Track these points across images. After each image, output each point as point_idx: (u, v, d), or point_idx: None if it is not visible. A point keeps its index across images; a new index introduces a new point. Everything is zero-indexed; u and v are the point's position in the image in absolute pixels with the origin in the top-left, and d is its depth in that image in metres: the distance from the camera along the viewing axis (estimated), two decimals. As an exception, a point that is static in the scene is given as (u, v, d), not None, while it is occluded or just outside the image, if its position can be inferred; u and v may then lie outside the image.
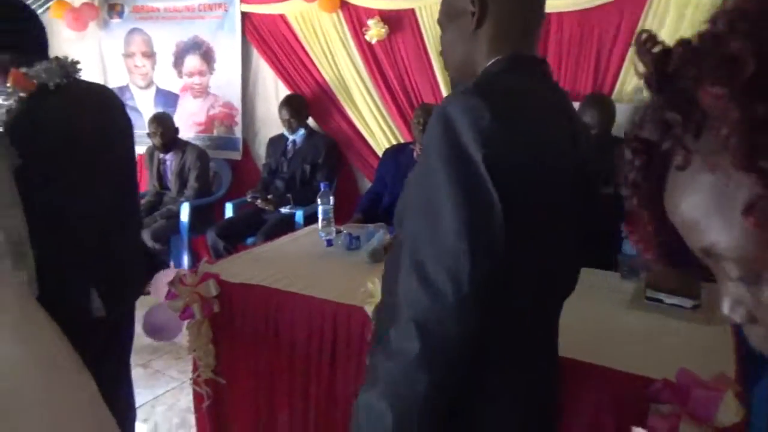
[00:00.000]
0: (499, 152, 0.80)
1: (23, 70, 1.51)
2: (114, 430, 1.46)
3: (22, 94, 1.50)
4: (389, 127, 3.71)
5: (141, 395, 2.67)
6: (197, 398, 1.96)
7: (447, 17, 1.01)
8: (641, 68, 0.43)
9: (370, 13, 3.55)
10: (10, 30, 1.55)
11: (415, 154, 3.21)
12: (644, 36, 0.43)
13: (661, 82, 0.41)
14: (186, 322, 1.82)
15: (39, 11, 4.47)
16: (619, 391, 1.33)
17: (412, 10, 3.47)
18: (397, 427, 0.82)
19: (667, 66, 0.40)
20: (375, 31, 3.51)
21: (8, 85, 1.50)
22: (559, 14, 3.10)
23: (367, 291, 1.57)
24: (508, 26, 0.95)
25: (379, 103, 3.70)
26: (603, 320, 1.64)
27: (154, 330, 1.85)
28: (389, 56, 3.60)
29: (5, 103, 1.49)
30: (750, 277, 0.39)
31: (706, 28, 0.39)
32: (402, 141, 3.62)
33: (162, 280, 1.81)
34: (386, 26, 3.50)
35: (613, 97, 2.98)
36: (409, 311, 0.81)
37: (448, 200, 0.80)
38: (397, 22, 3.52)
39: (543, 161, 0.87)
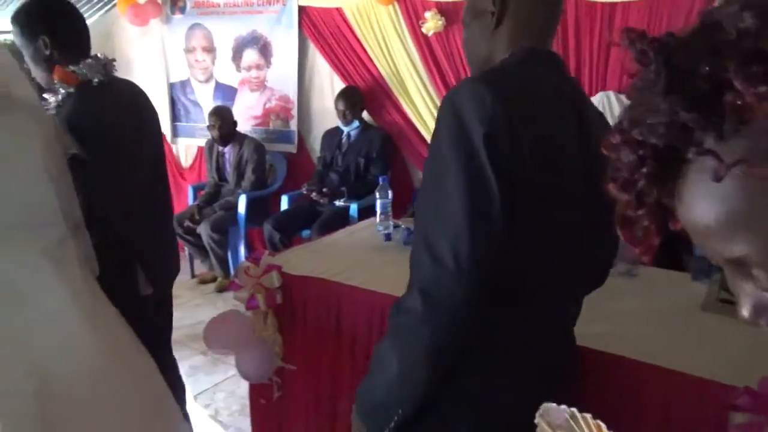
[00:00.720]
0: (501, 133, 0.85)
1: (71, 68, 1.63)
2: (172, 404, 1.53)
3: (70, 90, 1.63)
4: (444, 120, 3.68)
5: (202, 382, 2.77)
6: (254, 386, 2.01)
7: (469, 16, 1.06)
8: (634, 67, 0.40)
9: (427, 5, 3.52)
10: (58, 30, 1.66)
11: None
12: (633, 34, 0.41)
13: (671, 82, 0.37)
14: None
15: (106, 8, 4.65)
16: (692, 398, 1.28)
17: (470, 2, 3.42)
18: (401, 375, 0.93)
19: (676, 63, 0.37)
20: (432, 24, 3.48)
21: (55, 81, 1.63)
22: (626, 3, 2.99)
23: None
24: (526, 24, 1.00)
25: (435, 96, 3.68)
26: (674, 322, 1.58)
27: (252, 377, 1.90)
28: (445, 49, 3.57)
29: (53, 99, 1.63)
30: None
31: (710, 22, 0.37)
32: (457, 134, 3.58)
33: (215, 331, 1.83)
34: (443, 18, 3.47)
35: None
36: (417, 277, 0.91)
37: (452, 182, 0.87)
38: (454, 14, 3.48)
39: (546, 146, 0.91)
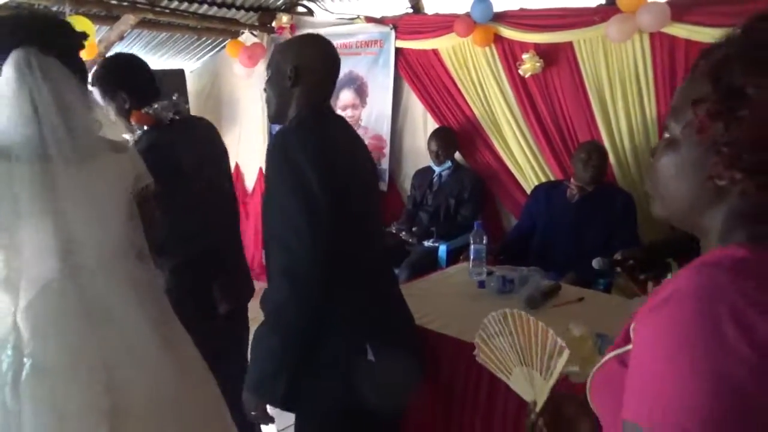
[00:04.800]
0: (322, 164, 1.28)
1: (144, 110, 1.85)
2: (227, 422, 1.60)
3: (145, 128, 1.86)
4: (539, 163, 3.59)
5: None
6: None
7: (273, 71, 1.46)
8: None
9: (525, 47, 3.48)
10: (132, 84, 1.89)
11: (568, 192, 3.06)
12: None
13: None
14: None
15: (215, 50, 4.96)
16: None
17: (570, 44, 3.35)
18: (283, 345, 1.28)
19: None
20: (530, 65, 3.43)
21: (132, 122, 1.86)
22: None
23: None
24: (313, 91, 1.43)
25: (530, 138, 3.60)
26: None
27: None
28: (543, 91, 3.50)
29: (130, 137, 1.84)
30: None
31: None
32: (552, 178, 3.48)
33: None
34: (541, 60, 3.41)
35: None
36: (276, 267, 1.30)
37: (294, 201, 1.27)
38: (554, 55, 3.42)
39: (349, 168, 1.37)
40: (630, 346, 0.63)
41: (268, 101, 1.50)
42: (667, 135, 0.69)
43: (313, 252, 1.24)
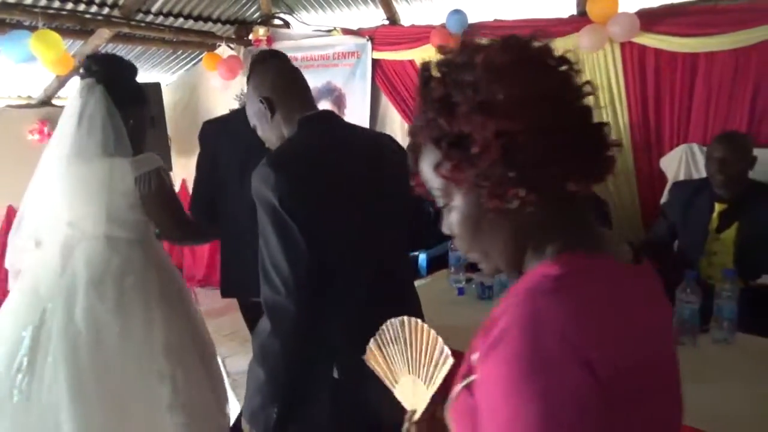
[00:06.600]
0: (286, 195, 1.23)
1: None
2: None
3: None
4: (516, 170, 3.64)
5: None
6: None
7: (253, 113, 1.43)
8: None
9: (499, 57, 3.53)
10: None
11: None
12: (426, 67, 0.74)
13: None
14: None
15: (192, 63, 4.95)
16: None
17: (544, 53, 3.41)
18: (269, 379, 1.26)
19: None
20: (504, 75, 3.48)
21: None
22: (709, 54, 2.90)
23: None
24: (290, 108, 1.39)
25: (507, 146, 3.65)
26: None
27: None
28: (518, 99, 3.56)
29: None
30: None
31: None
32: (530, 185, 3.52)
33: None
34: (516, 70, 3.47)
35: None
36: (264, 304, 1.27)
37: (271, 236, 1.25)
38: (528, 65, 3.47)
39: (325, 191, 1.30)
40: (474, 376, 0.64)
41: (265, 140, 1.46)
42: (443, 205, 0.73)
43: (294, 290, 1.22)
